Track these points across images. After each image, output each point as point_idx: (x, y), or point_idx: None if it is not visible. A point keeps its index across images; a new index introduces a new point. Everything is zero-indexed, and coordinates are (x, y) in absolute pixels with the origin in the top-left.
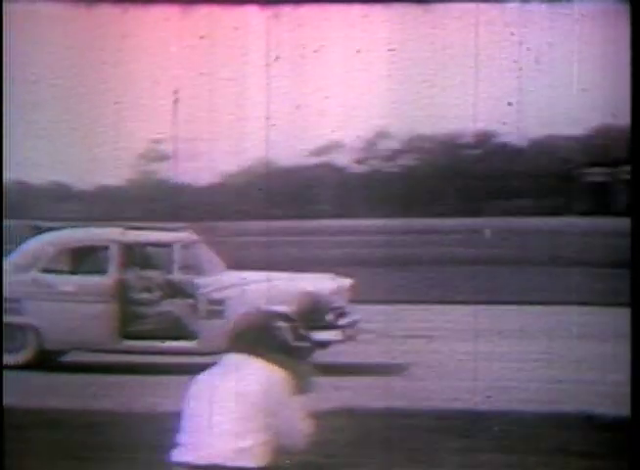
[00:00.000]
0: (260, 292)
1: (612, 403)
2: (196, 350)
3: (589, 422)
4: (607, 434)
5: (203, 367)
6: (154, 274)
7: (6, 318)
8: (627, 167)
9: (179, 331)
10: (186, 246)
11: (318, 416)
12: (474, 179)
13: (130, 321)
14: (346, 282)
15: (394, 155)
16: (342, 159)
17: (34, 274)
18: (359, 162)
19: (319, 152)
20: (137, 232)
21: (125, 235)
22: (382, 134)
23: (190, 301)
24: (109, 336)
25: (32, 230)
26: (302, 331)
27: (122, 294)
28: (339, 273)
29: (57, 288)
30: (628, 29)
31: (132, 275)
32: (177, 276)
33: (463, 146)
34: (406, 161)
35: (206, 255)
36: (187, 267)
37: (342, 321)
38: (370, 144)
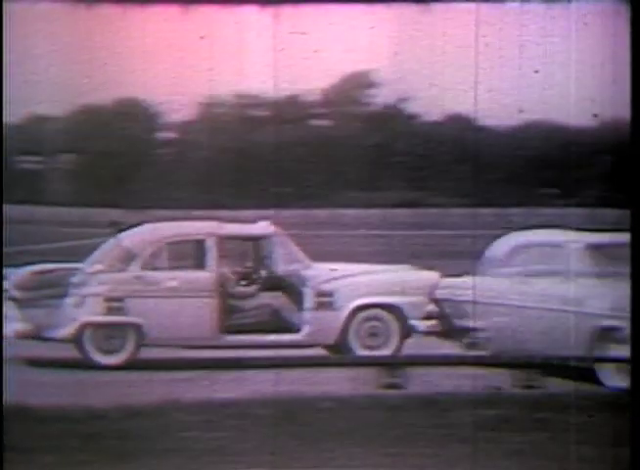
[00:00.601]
0: (370, 283)
1: None
2: (303, 342)
3: None
4: None
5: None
6: (251, 267)
7: (105, 318)
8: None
9: (279, 324)
10: (280, 238)
11: None
12: None
13: (230, 315)
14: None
15: None
16: None
17: (137, 272)
18: None
19: None
20: (234, 225)
21: (222, 228)
22: None
23: (290, 292)
24: (210, 331)
25: (110, 226)
26: None
27: (222, 288)
28: None
29: (162, 284)
30: (628, 29)
31: (230, 268)
32: (279, 268)
33: None
34: None
35: (293, 247)
36: (283, 259)
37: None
38: None
